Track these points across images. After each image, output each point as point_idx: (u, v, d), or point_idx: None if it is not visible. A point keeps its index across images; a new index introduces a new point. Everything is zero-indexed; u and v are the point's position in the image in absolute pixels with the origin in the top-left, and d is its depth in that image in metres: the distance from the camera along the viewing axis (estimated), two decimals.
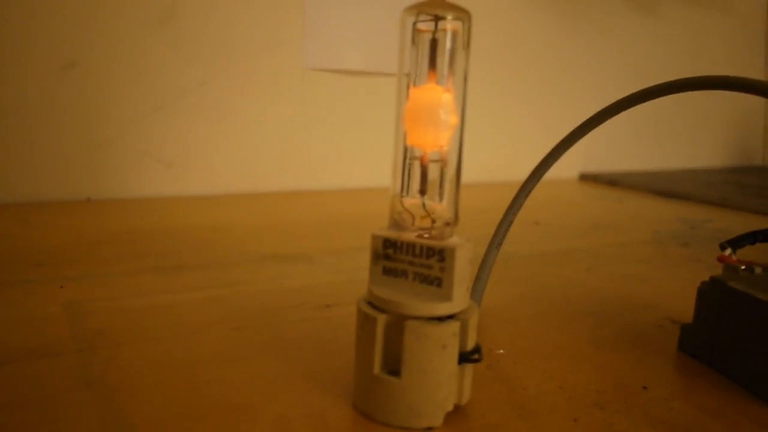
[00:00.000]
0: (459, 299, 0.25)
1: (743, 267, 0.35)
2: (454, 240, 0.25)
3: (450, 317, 0.25)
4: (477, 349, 0.26)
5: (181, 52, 0.70)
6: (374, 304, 0.26)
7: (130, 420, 0.25)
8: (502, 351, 0.33)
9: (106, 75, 0.67)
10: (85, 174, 0.67)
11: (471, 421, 0.26)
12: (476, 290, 0.39)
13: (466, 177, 0.27)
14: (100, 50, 0.66)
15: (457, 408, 0.26)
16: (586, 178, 1.06)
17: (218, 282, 0.43)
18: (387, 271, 0.26)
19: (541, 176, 0.44)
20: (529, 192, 0.44)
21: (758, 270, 0.35)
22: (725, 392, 0.30)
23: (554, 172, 0.45)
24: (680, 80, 0.36)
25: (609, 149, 1.12)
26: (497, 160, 0.96)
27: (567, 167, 1.06)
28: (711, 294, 0.33)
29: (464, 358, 0.25)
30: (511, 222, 0.44)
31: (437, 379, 0.25)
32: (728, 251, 0.37)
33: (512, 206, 0.44)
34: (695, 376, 0.32)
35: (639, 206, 0.85)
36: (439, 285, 0.25)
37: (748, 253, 0.37)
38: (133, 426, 0.24)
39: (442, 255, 0.25)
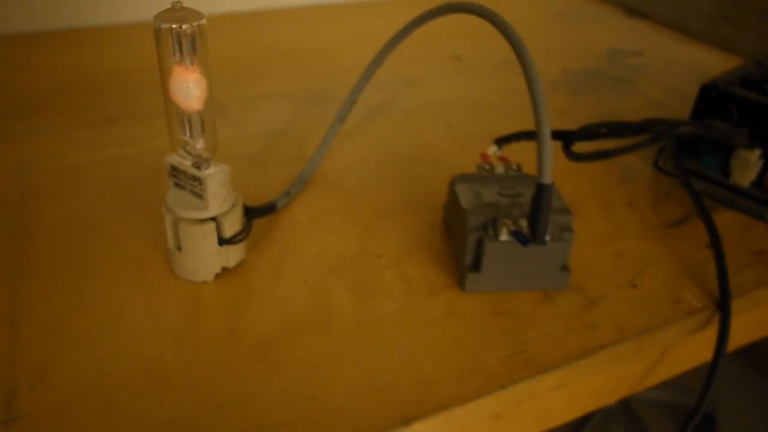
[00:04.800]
0: (214, 208, 0.38)
1: (487, 167, 0.45)
2: (210, 170, 0.38)
3: (211, 219, 0.39)
4: (239, 233, 0.40)
5: None
6: (167, 206, 0.39)
7: (28, 269, 0.41)
8: (302, 217, 0.47)
9: None
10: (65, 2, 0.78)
11: (234, 277, 0.41)
12: (312, 161, 0.52)
13: None
14: None
15: (226, 269, 0.41)
16: None
17: (138, 137, 0.56)
18: (176, 185, 0.39)
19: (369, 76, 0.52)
20: (371, 76, 0.53)
21: (500, 170, 0.45)
22: (434, 268, 0.43)
23: None
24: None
25: None
26: None
27: None
28: (450, 189, 0.44)
29: (225, 241, 0.39)
30: (355, 101, 0.54)
31: (203, 255, 0.39)
32: (492, 149, 0.46)
33: (356, 88, 0.53)
34: (429, 249, 0.44)
35: (584, 29, 0.87)
36: (202, 198, 0.38)
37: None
38: (25, 274, 0.41)
39: (200, 182, 0.38)
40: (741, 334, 0.45)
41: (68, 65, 0.70)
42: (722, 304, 0.41)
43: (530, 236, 0.38)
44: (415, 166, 0.54)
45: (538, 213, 0.37)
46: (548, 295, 0.41)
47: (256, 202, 0.45)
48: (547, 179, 0.36)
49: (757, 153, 0.50)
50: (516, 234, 0.38)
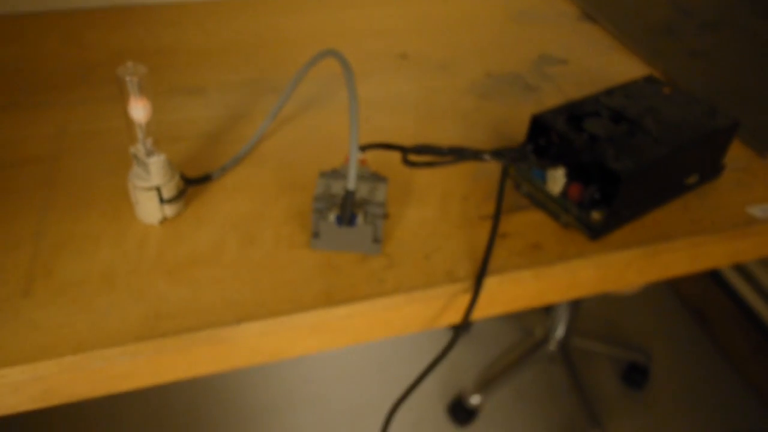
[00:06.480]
0: (156, 180, 0.62)
1: (346, 165, 0.66)
2: (153, 159, 0.61)
3: (155, 188, 0.62)
4: (175, 196, 0.64)
5: None
6: (129, 177, 0.63)
7: (50, 205, 0.66)
8: (230, 185, 0.70)
9: None
10: None
11: (171, 224, 0.65)
12: (248, 143, 0.74)
13: None
14: None
15: (166, 218, 0.65)
16: None
17: None
18: (137, 164, 0.63)
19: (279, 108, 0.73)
20: (289, 95, 0.74)
21: (368, 173, 0.66)
22: (301, 230, 0.65)
23: None
24: None
25: None
26: None
27: None
28: None
29: (164, 201, 0.63)
30: (283, 104, 0.75)
31: (149, 209, 0.63)
32: (361, 154, 0.67)
33: (282, 98, 0.74)
34: (305, 217, 0.67)
35: (533, 32, 1.02)
36: (149, 173, 0.62)
37: None
38: (48, 208, 0.66)
39: (146, 166, 0.61)
40: (502, 302, 0.65)
41: (114, 42, 0.93)
42: (478, 278, 0.61)
43: (344, 220, 0.60)
44: (325, 152, 0.75)
45: (344, 206, 0.59)
46: (366, 257, 0.63)
47: (204, 171, 0.68)
48: (351, 186, 0.58)
49: (560, 171, 0.68)
50: (337, 218, 0.60)
